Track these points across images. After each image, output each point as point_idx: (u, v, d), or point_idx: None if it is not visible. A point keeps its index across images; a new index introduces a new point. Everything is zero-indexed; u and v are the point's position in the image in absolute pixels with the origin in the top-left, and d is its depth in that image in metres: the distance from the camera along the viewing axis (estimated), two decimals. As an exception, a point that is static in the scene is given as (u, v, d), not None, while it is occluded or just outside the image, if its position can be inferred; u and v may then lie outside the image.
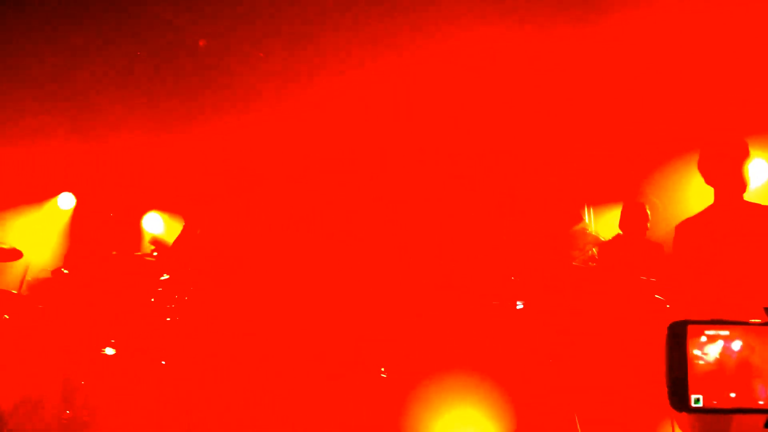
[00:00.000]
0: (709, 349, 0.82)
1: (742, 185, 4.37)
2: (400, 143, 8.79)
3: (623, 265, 6.35)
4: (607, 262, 6.58)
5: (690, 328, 0.81)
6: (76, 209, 9.28)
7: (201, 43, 7.74)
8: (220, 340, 6.45)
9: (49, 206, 9.28)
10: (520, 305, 6.86)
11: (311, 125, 8.60)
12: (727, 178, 4.37)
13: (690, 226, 4.56)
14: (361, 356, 7.37)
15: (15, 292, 7.97)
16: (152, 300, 7.76)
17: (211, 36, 7.68)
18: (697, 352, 0.80)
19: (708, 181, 4.48)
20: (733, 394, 0.79)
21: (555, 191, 8.01)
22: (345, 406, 6.94)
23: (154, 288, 7.86)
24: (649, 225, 6.73)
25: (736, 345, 0.81)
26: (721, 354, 0.81)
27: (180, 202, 9.00)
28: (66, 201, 9.27)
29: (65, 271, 8.05)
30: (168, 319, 7.68)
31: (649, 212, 6.76)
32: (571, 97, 7.91)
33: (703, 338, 0.82)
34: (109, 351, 7.81)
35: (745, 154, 4.36)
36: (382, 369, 7.18)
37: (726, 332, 0.82)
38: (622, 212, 6.82)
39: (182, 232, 7.08)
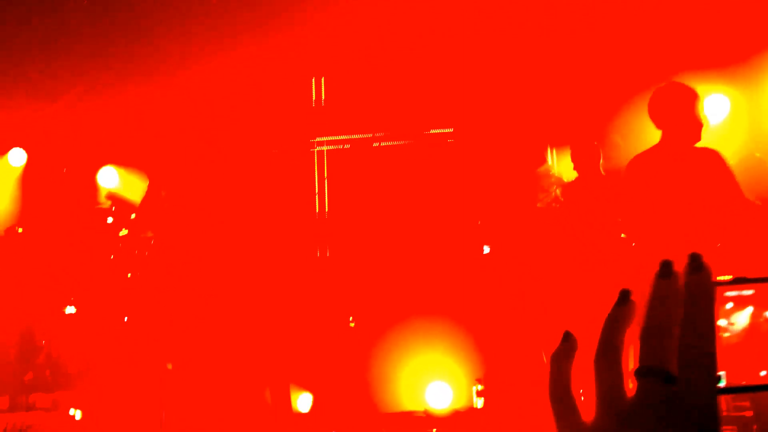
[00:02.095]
0: (737, 317, 0.70)
1: (693, 127, 4.53)
2: (366, 84, 8.65)
3: (586, 205, 6.33)
4: (571, 203, 6.56)
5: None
6: (28, 165, 8.99)
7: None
8: (185, 296, 6.34)
9: (-1, 163, 9.00)
10: (486, 249, 6.84)
11: (268, 72, 8.40)
12: (674, 125, 4.54)
13: (638, 162, 4.72)
14: (330, 306, 7.32)
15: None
16: (111, 257, 7.60)
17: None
18: (722, 322, 0.69)
19: (658, 126, 4.62)
20: (764, 372, 0.68)
21: (518, 133, 7.95)
22: (314, 356, 6.91)
23: (114, 244, 7.70)
24: (600, 161, 6.69)
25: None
26: (750, 322, 0.69)
27: (136, 155, 8.78)
28: (17, 157, 8.98)
29: (19, 230, 7.84)
30: (129, 275, 7.54)
31: (600, 150, 6.73)
32: (532, 37, 7.82)
33: (730, 304, 0.70)
34: (70, 309, 7.67)
35: (692, 99, 4.51)
36: (350, 318, 7.15)
37: (750, 292, 0.70)
38: (571, 152, 6.73)
39: (147, 193, 6.87)
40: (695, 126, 4.52)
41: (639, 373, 0.64)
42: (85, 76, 8.40)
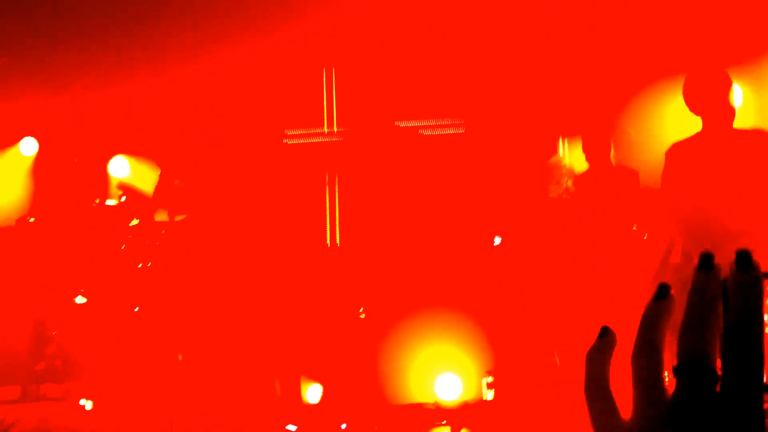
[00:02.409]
0: None
1: (729, 113, 4.47)
2: (378, 79, 8.62)
3: (597, 195, 6.30)
4: (583, 194, 6.52)
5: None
6: (39, 155, 9.00)
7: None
8: (196, 289, 6.34)
9: (11, 153, 9.00)
10: (497, 240, 6.81)
11: (283, 64, 8.37)
12: (713, 108, 4.47)
13: (680, 150, 4.61)
14: (340, 296, 7.32)
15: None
16: (122, 247, 7.61)
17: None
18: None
19: (694, 111, 4.54)
20: None
21: (529, 124, 7.91)
22: (323, 347, 6.91)
23: (124, 235, 7.71)
24: (612, 152, 6.65)
25: None
26: None
27: (148, 145, 8.78)
28: (28, 146, 8.99)
29: (31, 220, 7.86)
30: (139, 265, 7.55)
31: (611, 141, 6.69)
32: (543, 29, 7.77)
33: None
34: (80, 300, 7.69)
35: (728, 84, 4.45)
36: (361, 309, 7.14)
37: None
38: (582, 144, 6.70)
39: (159, 182, 6.84)
40: (730, 110, 4.47)
41: (679, 371, 0.62)
42: (96, 65, 8.39)
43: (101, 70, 8.44)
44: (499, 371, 6.45)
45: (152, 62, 8.17)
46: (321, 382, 6.84)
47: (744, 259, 0.61)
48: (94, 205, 7.91)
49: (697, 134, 4.59)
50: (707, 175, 4.40)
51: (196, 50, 8.11)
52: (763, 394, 0.59)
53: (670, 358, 0.64)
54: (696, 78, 4.55)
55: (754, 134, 4.51)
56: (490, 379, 6.49)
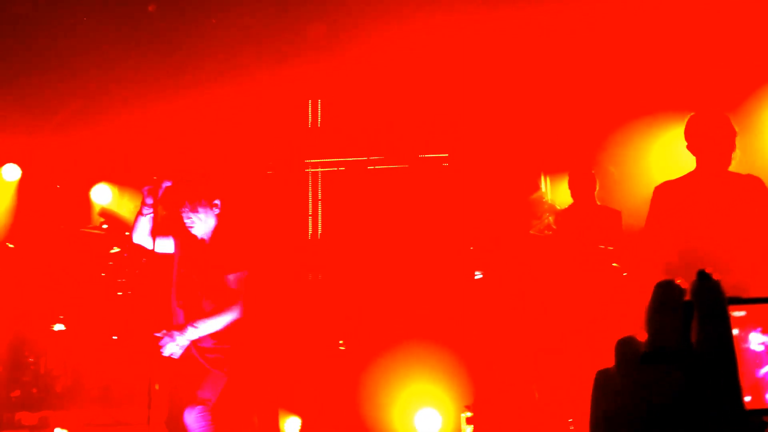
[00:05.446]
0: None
1: (726, 159, 4.45)
2: (361, 108, 8.68)
3: (579, 233, 6.36)
4: (564, 231, 6.58)
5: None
6: (22, 181, 8.96)
7: (150, 8, 7.48)
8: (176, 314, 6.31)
9: (-7, 178, 8.96)
10: (479, 275, 6.83)
11: (265, 94, 8.42)
12: (712, 151, 4.44)
13: (670, 189, 4.60)
14: (320, 329, 7.29)
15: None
16: (102, 274, 7.57)
17: (160, 0, 7.43)
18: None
19: (692, 150, 4.54)
20: (748, 398, 0.68)
21: (512, 160, 7.98)
22: (303, 379, 6.87)
23: (104, 262, 7.68)
24: (596, 191, 6.76)
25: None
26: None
27: (129, 173, 8.77)
28: (11, 172, 8.95)
29: (11, 246, 7.81)
30: (119, 293, 7.51)
31: (597, 179, 6.79)
32: (528, 66, 7.86)
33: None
34: (59, 327, 7.62)
35: (733, 132, 4.45)
36: (341, 342, 7.12)
37: (742, 313, 0.70)
38: (568, 180, 6.85)
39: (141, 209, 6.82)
40: (728, 156, 4.45)
41: (649, 358, 0.64)
42: (80, 93, 8.41)
43: (85, 97, 8.46)
44: (478, 406, 6.43)
45: (136, 91, 8.20)
46: (299, 415, 6.80)
47: (704, 272, 0.65)
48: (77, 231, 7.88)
49: (690, 174, 4.57)
50: (698, 217, 4.39)
51: (181, 80, 8.15)
52: (736, 372, 0.62)
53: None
54: (702, 119, 4.52)
55: (747, 180, 4.50)
56: (469, 414, 6.46)
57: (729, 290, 0.67)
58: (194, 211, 4.63)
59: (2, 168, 8.90)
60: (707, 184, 4.46)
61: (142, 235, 4.77)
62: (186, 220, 4.64)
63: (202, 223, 4.66)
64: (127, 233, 7.03)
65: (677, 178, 4.61)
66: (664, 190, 4.61)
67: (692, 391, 0.62)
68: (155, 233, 4.73)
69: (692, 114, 4.59)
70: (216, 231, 4.72)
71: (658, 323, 0.66)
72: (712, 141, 4.43)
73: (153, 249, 4.73)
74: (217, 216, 4.73)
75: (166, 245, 4.86)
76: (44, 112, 8.62)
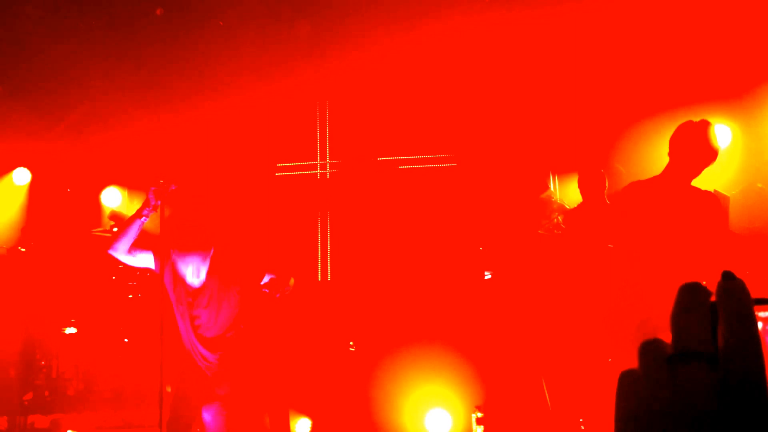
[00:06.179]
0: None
1: (695, 173, 4.59)
2: (373, 113, 8.69)
3: (589, 232, 6.35)
4: (573, 230, 6.57)
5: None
6: (32, 185, 9.01)
7: (158, 11, 7.50)
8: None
9: (3, 182, 9.01)
10: (488, 275, 6.83)
11: (275, 100, 8.44)
12: (685, 165, 4.56)
13: (638, 189, 4.74)
14: (330, 330, 7.30)
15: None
16: (113, 277, 7.60)
17: (168, 3, 7.45)
18: None
19: (672, 157, 4.61)
20: None
21: (521, 160, 7.97)
22: (313, 380, 6.88)
23: (115, 265, 7.70)
24: (606, 190, 6.77)
25: None
26: None
27: (139, 176, 8.80)
28: (21, 176, 9.00)
29: (22, 249, 7.84)
30: (130, 296, 7.53)
31: (606, 178, 6.79)
32: (536, 67, 7.86)
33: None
34: (71, 330, 7.66)
35: (714, 154, 4.54)
36: (351, 343, 7.13)
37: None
38: (578, 179, 6.86)
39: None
40: (700, 168, 4.56)
41: (676, 360, 0.65)
42: (90, 97, 8.45)
43: (95, 102, 8.49)
44: (489, 407, 6.43)
45: (147, 94, 8.22)
46: (310, 416, 6.81)
47: (729, 274, 0.65)
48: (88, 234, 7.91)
49: (656, 178, 4.71)
50: (654, 220, 4.54)
51: (192, 82, 8.17)
52: (764, 377, 0.63)
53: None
54: (688, 131, 4.60)
55: (705, 196, 4.65)
56: (479, 414, 6.46)
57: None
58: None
59: (13, 172, 8.95)
60: (668, 193, 4.60)
61: (126, 244, 4.55)
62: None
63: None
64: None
65: (647, 179, 4.76)
66: (633, 189, 4.76)
67: (720, 392, 0.63)
68: (136, 245, 4.64)
69: (681, 123, 4.68)
70: (173, 217, 4.68)
71: (684, 324, 0.67)
72: (689, 155, 4.55)
73: (127, 263, 4.65)
74: (170, 197, 4.62)
75: (145, 260, 4.75)
76: (54, 116, 8.66)
